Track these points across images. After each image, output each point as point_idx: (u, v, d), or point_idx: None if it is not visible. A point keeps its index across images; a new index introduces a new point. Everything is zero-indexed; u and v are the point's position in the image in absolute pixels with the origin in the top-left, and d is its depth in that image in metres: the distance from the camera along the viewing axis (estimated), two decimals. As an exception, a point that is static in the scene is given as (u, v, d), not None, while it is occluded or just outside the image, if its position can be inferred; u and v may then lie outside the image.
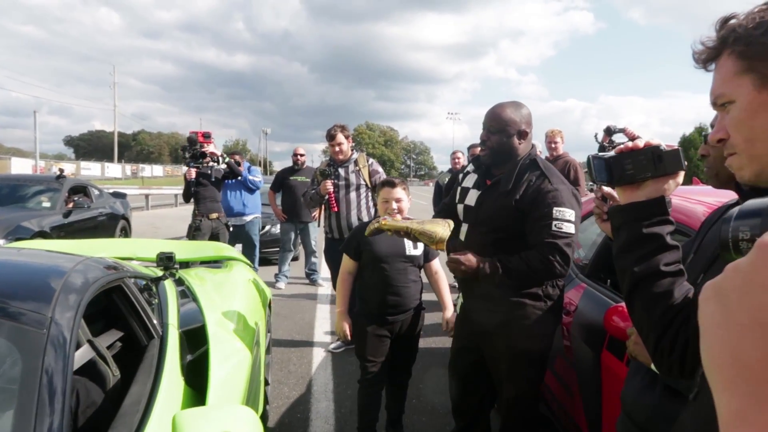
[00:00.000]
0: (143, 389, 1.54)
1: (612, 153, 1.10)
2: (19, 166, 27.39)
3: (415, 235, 2.16)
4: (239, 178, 6.22)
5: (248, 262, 3.86)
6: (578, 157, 5.86)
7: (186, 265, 3.37)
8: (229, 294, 2.83)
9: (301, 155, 6.85)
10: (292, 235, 6.78)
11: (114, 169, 43.55)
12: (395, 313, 2.75)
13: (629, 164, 1.06)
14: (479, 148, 2.41)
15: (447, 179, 6.51)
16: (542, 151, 5.19)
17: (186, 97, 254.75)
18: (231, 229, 6.19)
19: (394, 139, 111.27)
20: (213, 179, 5.94)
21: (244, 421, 1.28)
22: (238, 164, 6.12)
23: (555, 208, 2.12)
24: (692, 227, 1.88)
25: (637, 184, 1.06)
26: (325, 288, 6.62)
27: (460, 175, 2.57)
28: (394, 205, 2.73)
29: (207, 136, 5.99)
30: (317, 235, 6.59)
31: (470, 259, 2.20)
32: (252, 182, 6.43)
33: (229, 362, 2.02)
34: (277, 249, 7.27)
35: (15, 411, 1.14)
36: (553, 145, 5.75)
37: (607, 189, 1.34)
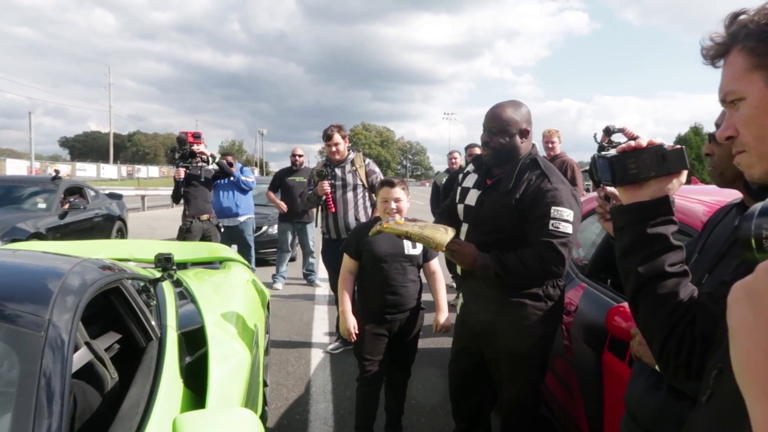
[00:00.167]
0: (142, 392, 1.52)
1: (614, 152, 1.08)
2: (14, 168, 27.29)
3: (414, 240, 2.21)
4: (232, 178, 6.17)
5: (246, 262, 3.84)
6: (575, 157, 5.86)
7: (184, 266, 3.35)
8: (228, 295, 2.81)
9: (300, 156, 6.85)
10: (290, 236, 6.76)
11: (110, 170, 43.44)
12: (394, 312, 2.76)
13: (632, 163, 1.04)
14: (478, 149, 2.41)
15: (444, 180, 6.52)
16: (539, 152, 5.18)
17: (182, 98, 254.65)
18: (222, 230, 6.07)
19: (390, 140, 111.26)
20: (203, 179, 5.81)
21: (246, 424, 1.27)
22: (231, 165, 6.05)
23: (553, 208, 2.11)
24: (692, 226, 1.87)
25: (640, 183, 1.04)
26: (322, 289, 6.60)
27: (460, 176, 2.56)
28: (393, 205, 2.73)
29: (197, 137, 5.88)
30: (315, 235, 6.57)
31: (469, 245, 2.21)
32: (245, 183, 6.38)
33: (229, 364, 2.00)
34: (275, 250, 7.25)
35: (12, 415, 1.12)
36: (550, 145, 5.75)
37: (610, 188, 1.33)
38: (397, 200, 2.75)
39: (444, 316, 2.81)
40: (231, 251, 3.94)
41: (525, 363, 2.25)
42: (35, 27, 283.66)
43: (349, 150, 4.44)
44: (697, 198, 2.12)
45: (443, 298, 2.87)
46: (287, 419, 3.26)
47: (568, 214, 2.12)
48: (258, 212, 8.41)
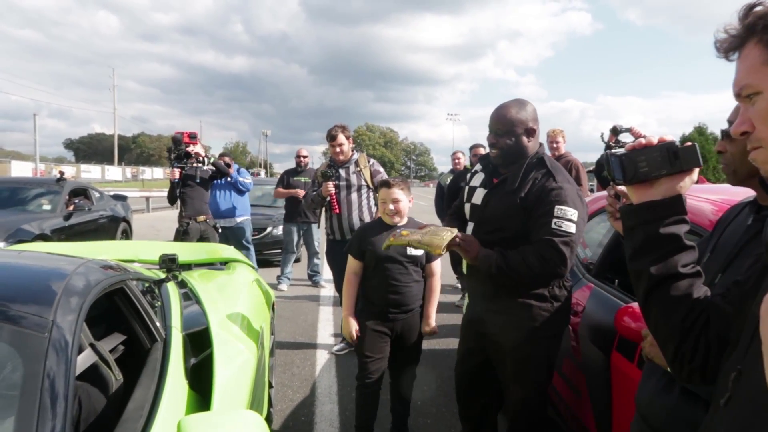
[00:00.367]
0: (146, 394, 1.51)
1: (623, 150, 1.06)
2: (20, 170, 27.45)
3: (416, 248, 2.29)
4: (229, 179, 6.16)
5: (250, 263, 3.83)
6: (579, 157, 5.83)
7: (188, 267, 3.34)
8: (233, 296, 2.80)
9: (305, 156, 6.91)
10: (295, 237, 6.77)
11: (114, 172, 43.66)
12: (396, 312, 2.76)
13: (643, 161, 1.02)
14: (482, 149, 2.40)
15: (449, 180, 6.52)
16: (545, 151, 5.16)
17: (185, 100, 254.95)
18: (220, 231, 5.99)
19: (394, 141, 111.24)
20: (198, 180, 5.72)
21: (251, 426, 1.25)
22: (228, 166, 6.01)
23: (557, 206, 2.09)
24: (701, 225, 1.85)
25: (651, 182, 1.02)
26: (327, 289, 6.59)
27: (468, 175, 2.55)
28: (391, 207, 2.72)
29: (193, 137, 5.81)
30: (320, 236, 6.57)
31: (473, 239, 2.21)
32: (242, 183, 6.37)
33: (234, 365, 1.99)
34: (280, 251, 7.26)
35: (16, 417, 1.11)
36: (554, 145, 5.72)
37: (620, 186, 1.30)
38: (395, 201, 2.73)
39: (430, 325, 2.83)
40: (235, 252, 3.93)
41: (531, 364, 2.23)
42: (38, 29, 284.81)
43: (353, 150, 4.42)
44: (704, 197, 2.09)
45: (433, 306, 2.86)
46: (292, 421, 3.25)
47: (572, 213, 2.10)
48: (263, 213, 8.44)
